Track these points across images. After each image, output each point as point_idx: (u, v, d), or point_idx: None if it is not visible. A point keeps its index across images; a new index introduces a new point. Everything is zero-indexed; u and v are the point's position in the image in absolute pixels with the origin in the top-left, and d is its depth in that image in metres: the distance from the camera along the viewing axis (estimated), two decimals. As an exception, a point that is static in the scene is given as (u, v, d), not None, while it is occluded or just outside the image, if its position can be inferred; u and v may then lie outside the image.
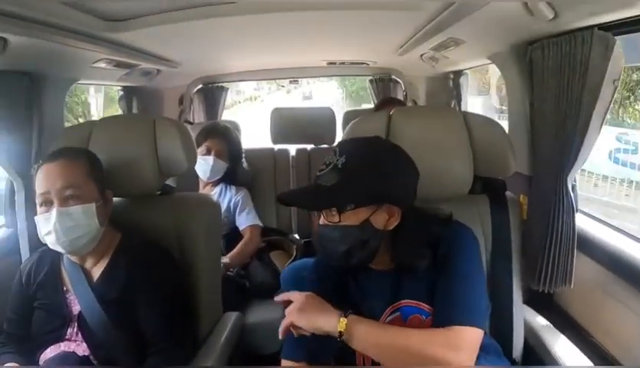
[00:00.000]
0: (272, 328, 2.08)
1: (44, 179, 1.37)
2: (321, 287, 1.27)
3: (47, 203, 1.36)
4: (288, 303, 1.19)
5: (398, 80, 3.76)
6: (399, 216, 1.19)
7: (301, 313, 1.16)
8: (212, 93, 3.87)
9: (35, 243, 1.70)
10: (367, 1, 1.78)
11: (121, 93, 3.02)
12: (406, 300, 1.23)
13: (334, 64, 3.57)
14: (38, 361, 1.40)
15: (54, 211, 1.34)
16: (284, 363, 1.26)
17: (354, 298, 1.27)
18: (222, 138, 2.63)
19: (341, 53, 3.20)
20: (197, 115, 3.86)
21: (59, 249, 1.38)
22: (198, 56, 2.88)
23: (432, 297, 1.20)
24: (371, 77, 3.97)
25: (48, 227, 1.35)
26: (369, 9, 1.82)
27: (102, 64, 2.24)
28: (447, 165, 1.44)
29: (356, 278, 1.29)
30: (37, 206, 1.38)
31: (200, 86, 3.78)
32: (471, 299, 1.16)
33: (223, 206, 2.54)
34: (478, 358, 1.15)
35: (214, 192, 2.60)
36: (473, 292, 1.17)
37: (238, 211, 2.57)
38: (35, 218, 1.39)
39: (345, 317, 1.12)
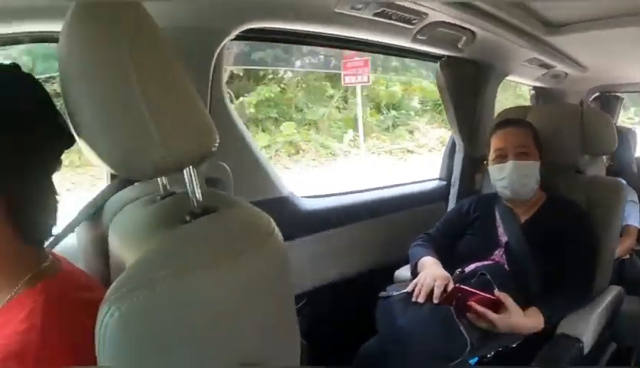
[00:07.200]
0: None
1: (500, 138, 1.83)
2: None
3: (502, 157, 1.80)
4: None
5: None
6: None
7: None
8: (608, 101, 3.92)
9: (463, 192, 2.27)
10: None
11: (532, 92, 3.44)
12: None
13: None
14: (463, 270, 1.79)
15: (509, 163, 1.78)
16: None
17: None
18: None
19: None
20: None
21: (506, 192, 1.82)
22: (605, 63, 3.04)
23: None
24: None
25: (502, 174, 1.79)
26: None
27: (527, 63, 2.65)
28: None
29: None
30: (491, 160, 1.85)
31: (597, 94, 3.91)
32: None
33: None
34: None
35: None
36: None
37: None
38: (489, 167, 1.85)
39: None
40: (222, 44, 1.51)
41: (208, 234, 0.67)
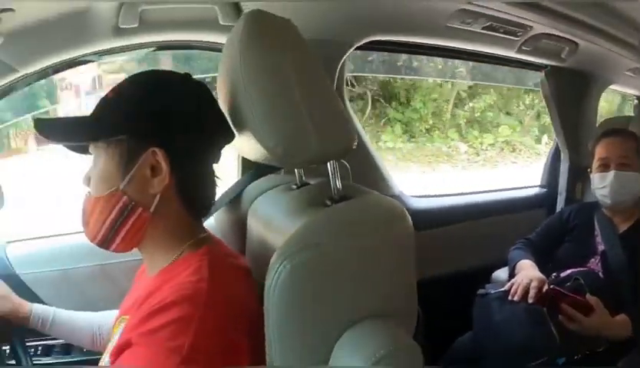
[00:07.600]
0: None
1: (604, 148, 1.87)
2: None
3: (605, 166, 1.85)
4: None
5: None
6: None
7: None
8: None
9: (568, 199, 2.38)
10: None
11: (636, 101, 3.39)
12: None
13: None
14: (558, 275, 1.83)
15: (611, 172, 1.83)
16: None
17: None
18: None
19: None
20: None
21: (606, 201, 1.86)
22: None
23: None
24: None
25: (604, 183, 1.84)
26: None
27: (630, 73, 2.64)
28: None
29: None
30: (594, 168, 1.90)
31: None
32: None
33: None
34: None
35: None
36: None
37: None
38: (592, 175, 1.90)
39: None
40: (346, 54, 1.68)
41: (353, 213, 0.82)
